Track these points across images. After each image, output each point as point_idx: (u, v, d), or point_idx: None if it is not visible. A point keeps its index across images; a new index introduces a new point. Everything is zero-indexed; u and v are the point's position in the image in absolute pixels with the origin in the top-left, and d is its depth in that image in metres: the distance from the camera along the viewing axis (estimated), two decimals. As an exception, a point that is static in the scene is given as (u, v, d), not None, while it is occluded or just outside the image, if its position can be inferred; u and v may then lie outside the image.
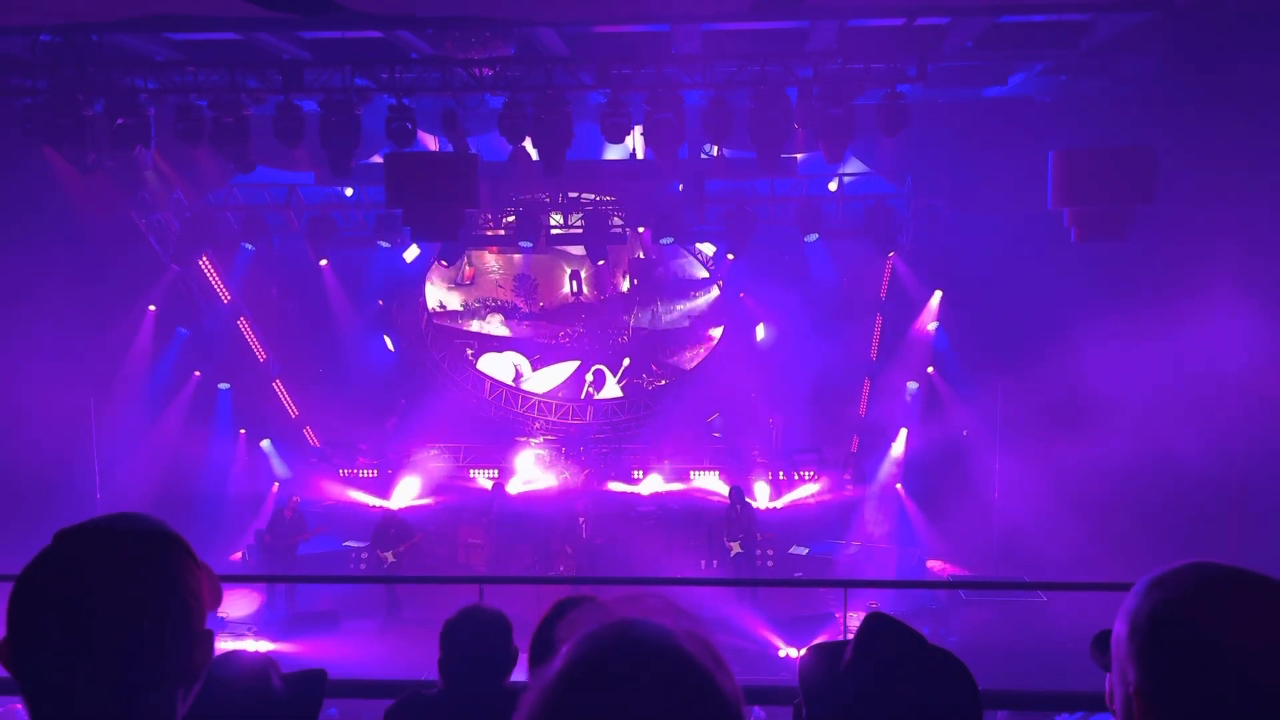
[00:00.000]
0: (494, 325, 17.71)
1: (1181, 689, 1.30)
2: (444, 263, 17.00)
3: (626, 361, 17.61)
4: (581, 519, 14.45)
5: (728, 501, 13.83)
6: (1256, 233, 11.68)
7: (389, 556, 13.63)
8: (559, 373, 17.68)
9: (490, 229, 16.40)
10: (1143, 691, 1.33)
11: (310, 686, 2.10)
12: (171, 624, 1.37)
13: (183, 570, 1.41)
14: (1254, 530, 12.00)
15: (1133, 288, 12.19)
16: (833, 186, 15.34)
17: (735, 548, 13.48)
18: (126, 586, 1.35)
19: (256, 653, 2.09)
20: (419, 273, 17.20)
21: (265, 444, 16.49)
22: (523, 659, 3.36)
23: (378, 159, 11.88)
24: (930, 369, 15.91)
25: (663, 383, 17.61)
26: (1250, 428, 11.94)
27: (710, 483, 15.88)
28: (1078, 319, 12.49)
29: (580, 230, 16.03)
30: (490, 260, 17.61)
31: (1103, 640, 1.46)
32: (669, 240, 15.52)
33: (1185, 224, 11.47)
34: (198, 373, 15.97)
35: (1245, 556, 1.43)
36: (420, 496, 15.67)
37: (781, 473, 16.03)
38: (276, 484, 16.22)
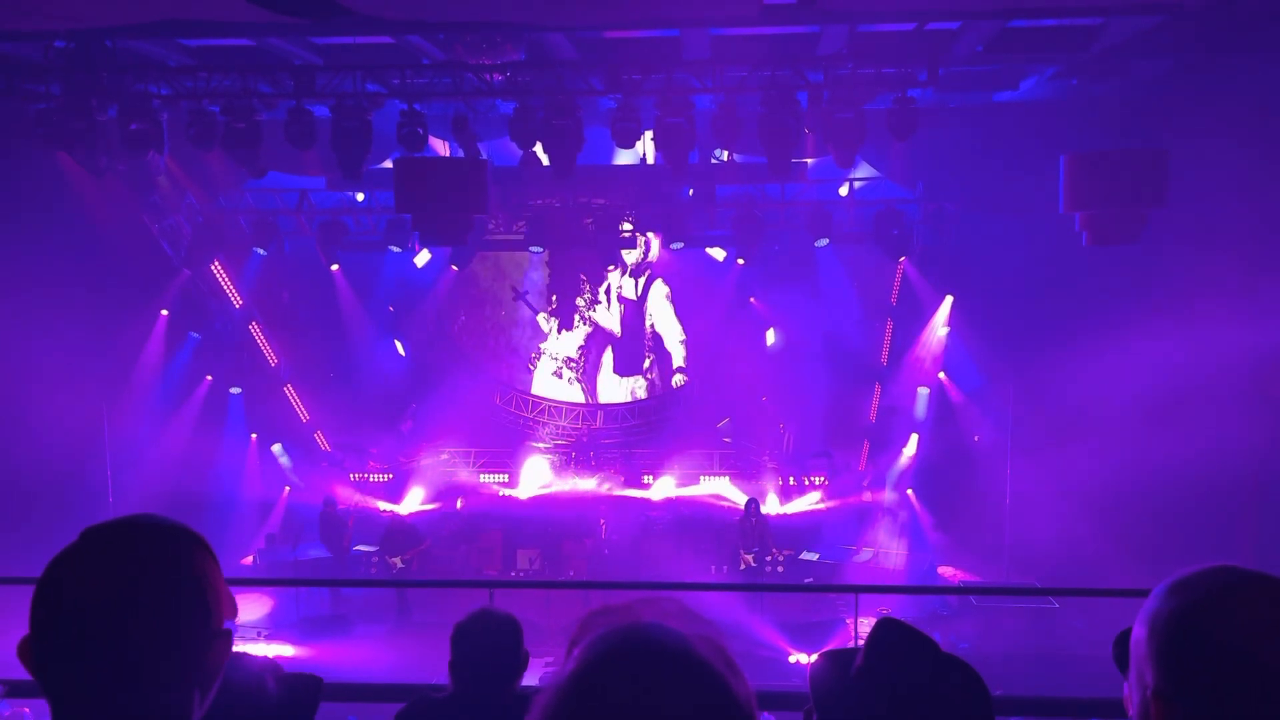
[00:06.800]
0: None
1: (1201, 692, 1.29)
2: (455, 267, 17.04)
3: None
4: (602, 520, 14.52)
5: (742, 512, 13.84)
6: (1268, 233, 11.64)
7: (397, 562, 13.67)
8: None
9: (500, 234, 16.44)
10: (1161, 694, 1.33)
11: (305, 692, 2.10)
12: (192, 622, 1.38)
13: (204, 569, 1.42)
14: (1268, 535, 11.93)
15: (1145, 291, 12.15)
16: (843, 191, 15.32)
17: (749, 560, 13.48)
18: (150, 583, 1.35)
19: (259, 656, 2.09)
20: (430, 278, 17.23)
21: (276, 448, 16.54)
22: (535, 664, 3.37)
23: (389, 164, 11.92)
24: (941, 374, 15.87)
25: (676, 383, 17.62)
26: (1265, 432, 11.88)
27: (721, 488, 15.87)
28: (1090, 323, 12.45)
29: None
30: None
31: (1124, 640, 1.46)
32: (679, 245, 15.54)
33: (1198, 226, 11.44)
34: (209, 377, 16.03)
35: (1261, 562, 1.42)
36: (430, 501, 15.69)
37: (792, 478, 16.00)
38: (287, 488, 16.28)
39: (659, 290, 17.56)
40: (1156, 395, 11.78)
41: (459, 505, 15.57)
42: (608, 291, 17.61)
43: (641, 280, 17.55)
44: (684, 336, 17.61)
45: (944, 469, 15.10)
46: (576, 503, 15.52)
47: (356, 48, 11.07)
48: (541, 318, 17.69)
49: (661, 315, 17.66)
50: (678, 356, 17.69)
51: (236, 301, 16.25)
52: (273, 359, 16.84)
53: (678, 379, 17.68)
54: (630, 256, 17.25)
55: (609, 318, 17.66)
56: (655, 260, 17.35)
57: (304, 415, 17.12)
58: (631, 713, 0.99)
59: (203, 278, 15.72)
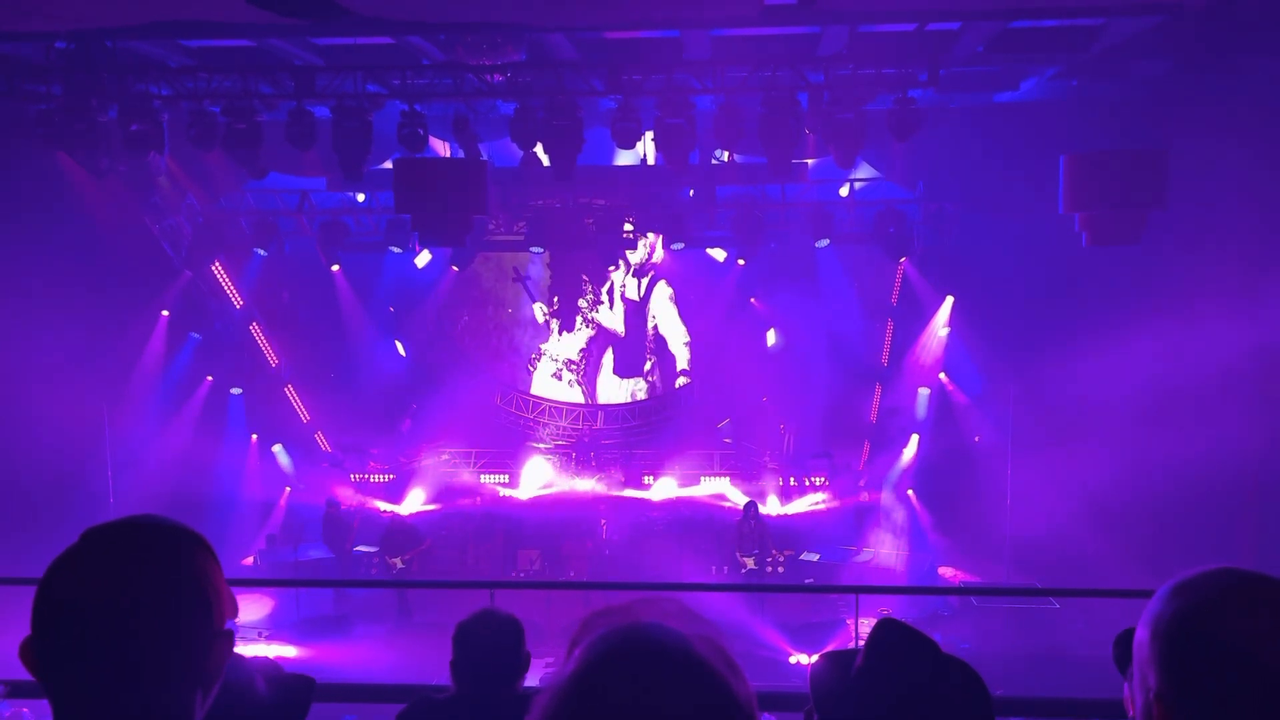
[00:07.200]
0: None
1: (1202, 695, 1.29)
2: (455, 267, 17.06)
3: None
4: (603, 520, 14.53)
5: (740, 514, 13.82)
6: (1268, 233, 11.65)
7: (398, 563, 13.68)
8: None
9: (501, 234, 16.44)
10: (1163, 697, 1.33)
11: (296, 693, 2.09)
12: (193, 622, 1.38)
13: (205, 569, 1.42)
14: (1268, 535, 11.93)
15: (1145, 291, 12.16)
16: (844, 192, 15.32)
17: (749, 563, 13.46)
18: (151, 584, 1.35)
19: (253, 656, 2.09)
20: (431, 278, 17.24)
21: (277, 449, 16.54)
22: (536, 664, 3.37)
23: (389, 164, 11.93)
24: (942, 375, 15.86)
25: (680, 384, 17.62)
26: (1265, 432, 11.89)
27: (722, 488, 15.86)
28: (1089, 323, 12.46)
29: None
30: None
31: (1124, 640, 1.46)
32: (679, 245, 15.55)
33: (1198, 226, 11.45)
34: (210, 377, 16.02)
35: (1262, 562, 1.42)
36: (430, 501, 15.69)
37: (792, 478, 15.99)
38: (288, 489, 16.27)
39: (662, 291, 17.55)
40: (1157, 395, 11.80)
41: (478, 502, 15.60)
42: (610, 291, 17.61)
43: (645, 281, 17.55)
44: (688, 339, 17.61)
45: (944, 469, 15.10)
46: (577, 503, 15.50)
47: (357, 48, 11.07)
48: (539, 308, 17.66)
49: (665, 317, 17.65)
50: (682, 359, 17.68)
51: (237, 302, 16.25)
52: (273, 359, 16.84)
53: (681, 381, 17.68)
54: (634, 257, 17.25)
55: (612, 318, 17.66)
56: (659, 262, 17.35)
57: (304, 416, 17.13)
58: (631, 713, 1.00)
59: (203, 278, 15.72)
